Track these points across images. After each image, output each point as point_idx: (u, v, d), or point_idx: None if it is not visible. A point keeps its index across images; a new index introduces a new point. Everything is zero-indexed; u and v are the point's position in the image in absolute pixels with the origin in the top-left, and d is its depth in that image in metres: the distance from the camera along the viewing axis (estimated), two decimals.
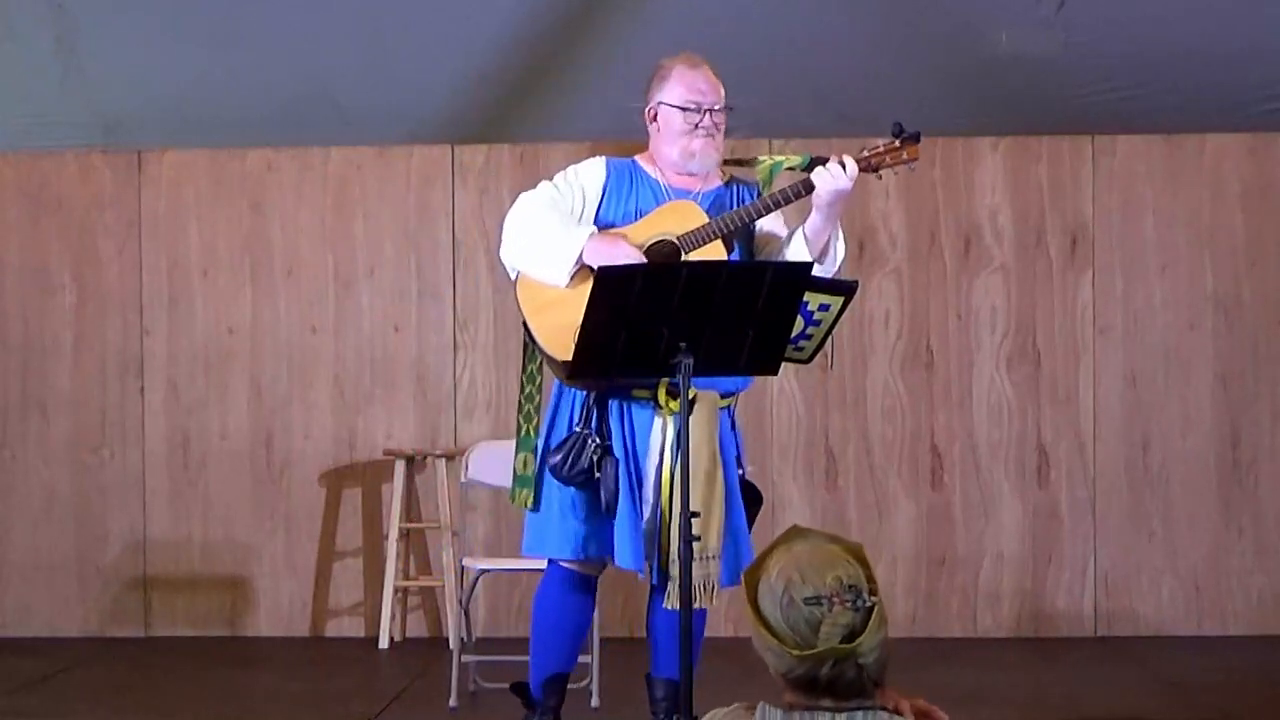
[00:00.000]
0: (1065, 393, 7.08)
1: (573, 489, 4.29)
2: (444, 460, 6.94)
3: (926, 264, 7.12)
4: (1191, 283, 7.09)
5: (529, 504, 4.39)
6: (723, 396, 4.34)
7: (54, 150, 7.27)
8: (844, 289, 4.22)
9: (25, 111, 7.18)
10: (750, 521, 4.40)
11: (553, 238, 4.27)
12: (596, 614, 5.52)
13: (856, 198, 7.07)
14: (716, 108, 4.41)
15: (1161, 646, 6.81)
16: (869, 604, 2.39)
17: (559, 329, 4.17)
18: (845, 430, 7.11)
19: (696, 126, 4.37)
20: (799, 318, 4.10)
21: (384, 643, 6.93)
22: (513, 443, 4.50)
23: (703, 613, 4.37)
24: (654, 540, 4.25)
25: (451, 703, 5.66)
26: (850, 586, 2.39)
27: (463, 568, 5.96)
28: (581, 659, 5.57)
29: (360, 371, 7.23)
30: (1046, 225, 7.10)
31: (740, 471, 4.43)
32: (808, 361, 4.35)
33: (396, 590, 6.98)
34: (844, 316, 4.28)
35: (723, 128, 4.44)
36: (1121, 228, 7.10)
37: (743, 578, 2.49)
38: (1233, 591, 7.05)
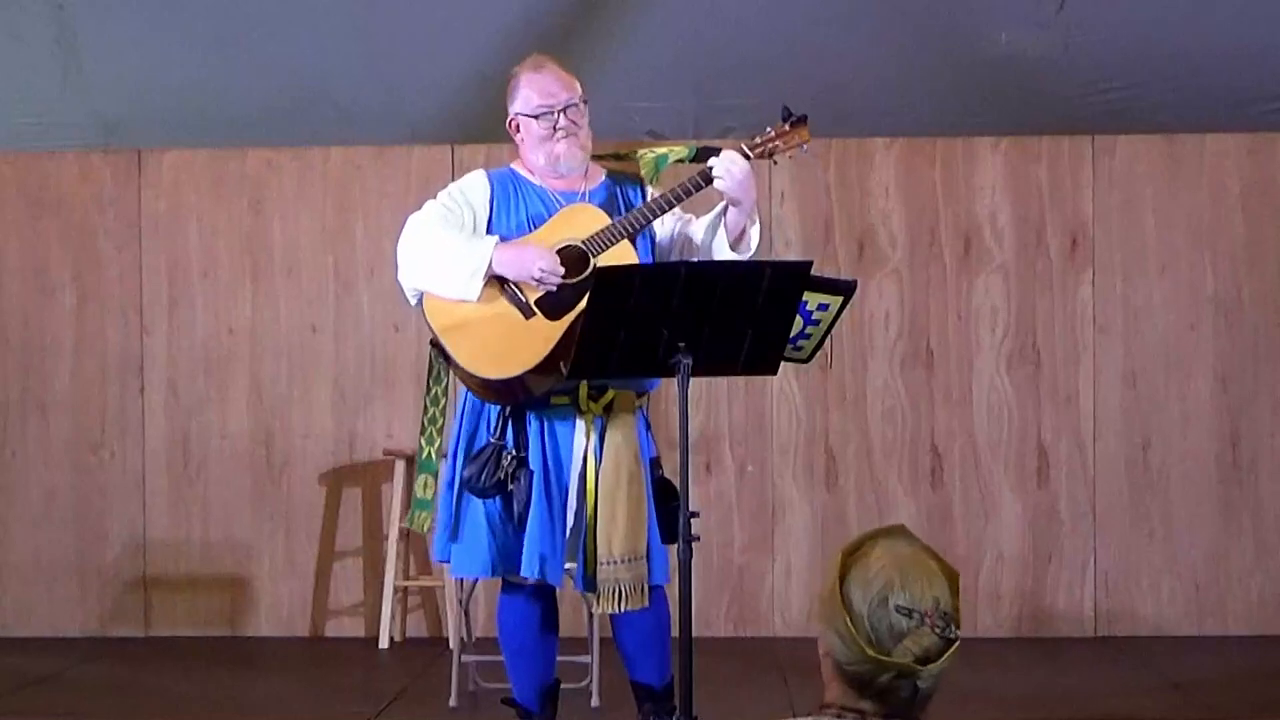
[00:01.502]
0: (1065, 393, 7.08)
1: (487, 503, 4.25)
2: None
3: (926, 264, 7.11)
4: (1191, 283, 7.08)
5: (426, 528, 4.36)
6: (636, 396, 4.32)
7: (54, 150, 7.26)
8: (843, 289, 4.22)
9: (25, 111, 7.18)
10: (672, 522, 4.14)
11: (456, 253, 4.20)
12: (597, 614, 5.54)
13: (856, 198, 7.12)
14: (570, 105, 4.32)
15: (1161, 646, 6.80)
16: (953, 636, 2.39)
17: (478, 343, 4.15)
18: (845, 430, 7.10)
19: (555, 129, 4.30)
20: (798, 317, 4.10)
21: (384, 643, 6.92)
22: None
23: (666, 614, 4.37)
24: (578, 547, 4.23)
25: (451, 703, 5.67)
26: (944, 613, 2.39)
27: None
28: (582, 659, 5.59)
29: (360, 371, 7.22)
30: (1046, 225, 7.10)
31: (659, 472, 4.37)
32: (806, 361, 4.35)
33: (396, 590, 6.98)
34: (844, 316, 4.28)
35: (583, 123, 4.35)
36: (1121, 228, 7.10)
37: (840, 554, 2.45)
38: (1233, 591, 7.05)
